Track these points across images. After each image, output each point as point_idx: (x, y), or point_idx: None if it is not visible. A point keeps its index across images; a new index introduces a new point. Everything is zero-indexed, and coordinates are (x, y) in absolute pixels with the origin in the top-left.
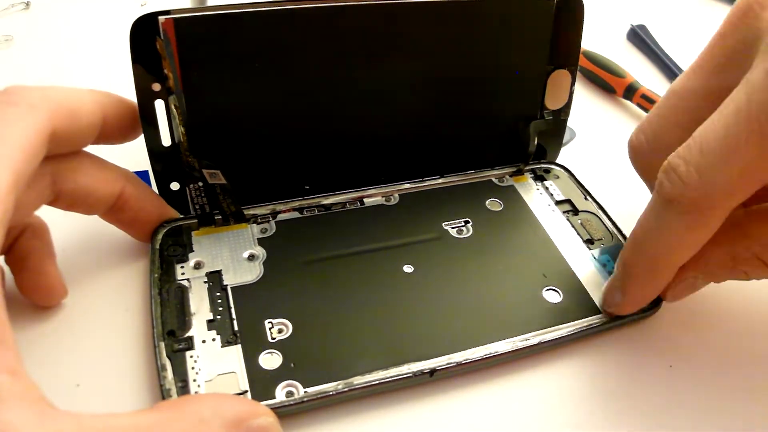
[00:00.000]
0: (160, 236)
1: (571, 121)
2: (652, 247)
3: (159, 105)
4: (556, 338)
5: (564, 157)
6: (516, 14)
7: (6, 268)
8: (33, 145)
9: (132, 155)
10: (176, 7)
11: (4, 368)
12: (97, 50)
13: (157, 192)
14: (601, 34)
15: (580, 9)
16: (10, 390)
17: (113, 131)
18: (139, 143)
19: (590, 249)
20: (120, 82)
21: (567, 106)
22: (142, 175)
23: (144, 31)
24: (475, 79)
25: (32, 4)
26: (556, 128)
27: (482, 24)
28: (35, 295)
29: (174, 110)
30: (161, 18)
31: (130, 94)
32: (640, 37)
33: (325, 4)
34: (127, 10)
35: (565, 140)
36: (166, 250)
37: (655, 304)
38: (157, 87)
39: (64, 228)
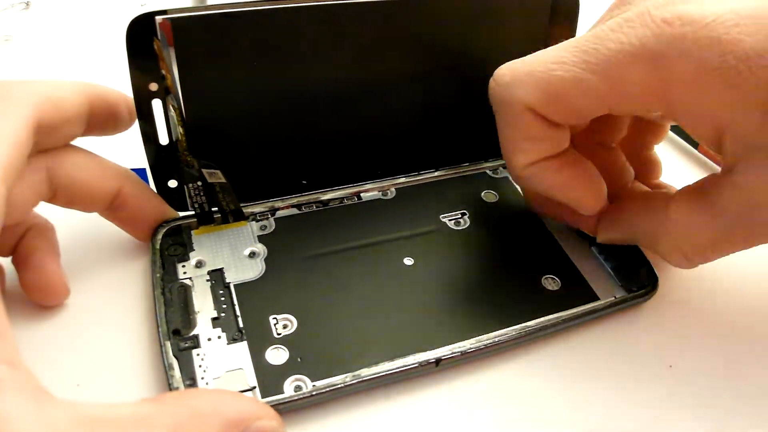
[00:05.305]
0: (159, 236)
1: None
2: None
3: (156, 104)
4: (557, 324)
5: None
6: (513, 9)
7: (11, 270)
8: (19, 138)
9: (130, 153)
10: (174, 7)
11: (2, 359)
12: (96, 50)
13: (155, 190)
14: None
15: (574, 3)
16: (8, 380)
17: (102, 120)
18: (137, 141)
19: (584, 236)
20: (120, 82)
21: None
22: (140, 172)
23: (141, 31)
24: (472, 73)
25: (32, 3)
26: None
27: (479, 19)
28: (37, 293)
29: (172, 110)
30: (158, 18)
31: (130, 94)
32: None
33: (322, 3)
34: (127, 10)
35: None
36: (167, 250)
37: (652, 288)
38: (154, 86)
39: (64, 227)
